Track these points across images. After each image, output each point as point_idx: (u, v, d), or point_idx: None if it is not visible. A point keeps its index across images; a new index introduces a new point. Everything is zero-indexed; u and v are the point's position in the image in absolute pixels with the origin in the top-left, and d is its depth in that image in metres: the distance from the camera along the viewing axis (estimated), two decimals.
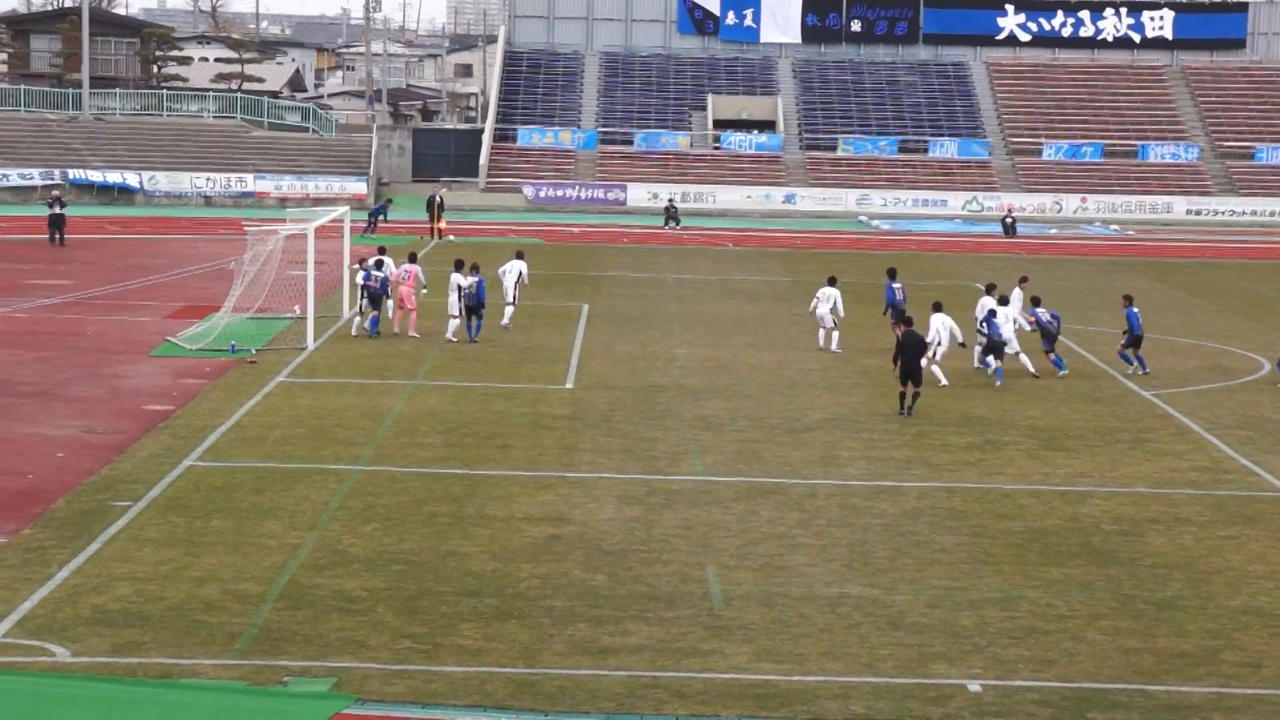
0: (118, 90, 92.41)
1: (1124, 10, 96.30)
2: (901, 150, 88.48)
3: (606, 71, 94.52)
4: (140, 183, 79.57)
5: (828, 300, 39.52)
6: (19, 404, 31.14)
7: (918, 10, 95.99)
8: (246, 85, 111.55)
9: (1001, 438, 30.21)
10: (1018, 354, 36.39)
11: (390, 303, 40.55)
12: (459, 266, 39.86)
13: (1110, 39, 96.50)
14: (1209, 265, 64.96)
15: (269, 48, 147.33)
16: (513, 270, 42.16)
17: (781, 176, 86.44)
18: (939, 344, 35.14)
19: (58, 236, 59.76)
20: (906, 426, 30.94)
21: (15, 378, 33.73)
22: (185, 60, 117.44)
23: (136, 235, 64.96)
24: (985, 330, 35.92)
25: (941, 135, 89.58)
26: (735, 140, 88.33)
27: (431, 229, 66.48)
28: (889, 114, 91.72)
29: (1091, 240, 76.19)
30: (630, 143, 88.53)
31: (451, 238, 65.33)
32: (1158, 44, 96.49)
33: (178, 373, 34.74)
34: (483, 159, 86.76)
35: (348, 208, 47.11)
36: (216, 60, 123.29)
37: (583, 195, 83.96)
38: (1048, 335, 37.15)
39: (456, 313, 39.37)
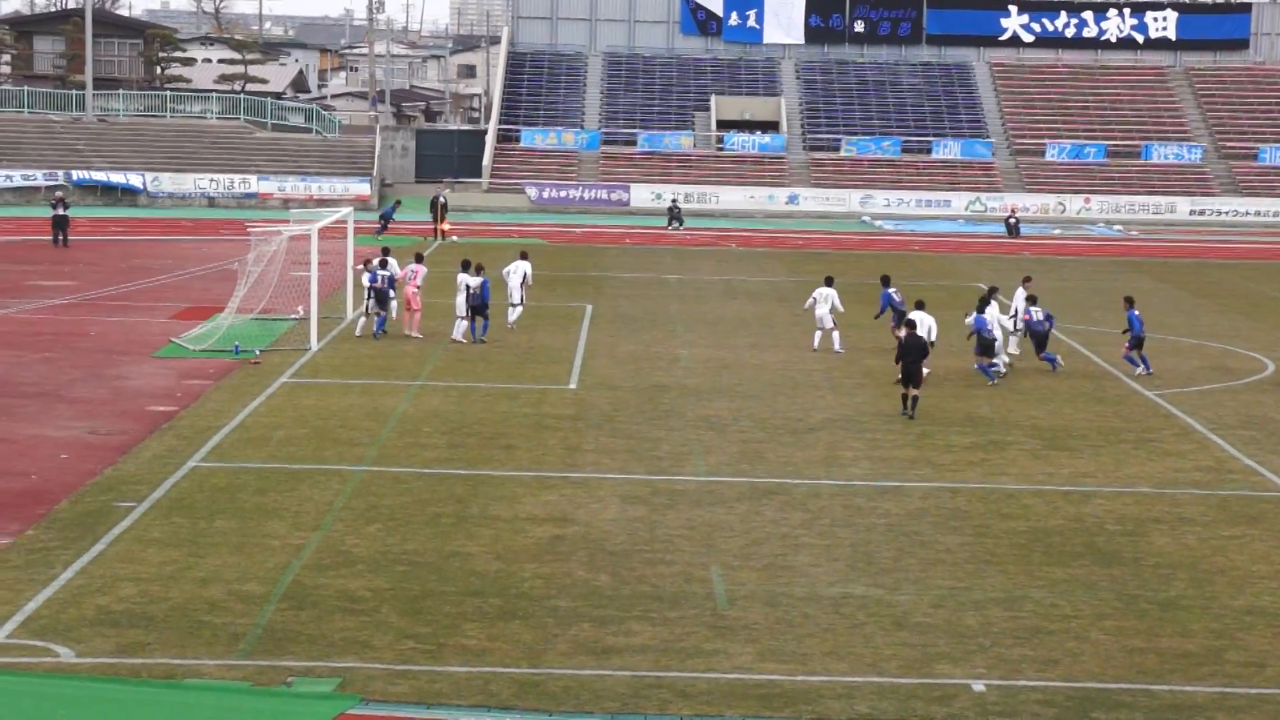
0: (121, 91, 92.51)
1: (1127, 11, 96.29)
2: (904, 151, 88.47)
3: (610, 72, 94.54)
4: (143, 184, 79.64)
5: (825, 301, 39.53)
6: (22, 405, 31.15)
7: (921, 11, 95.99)
8: (250, 86, 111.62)
9: (1005, 438, 30.21)
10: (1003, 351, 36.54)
11: (395, 304, 40.55)
12: (466, 267, 39.86)
13: (1113, 40, 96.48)
14: (1212, 266, 64.93)
15: (272, 49, 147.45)
16: (517, 271, 42.15)
17: (784, 177, 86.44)
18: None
19: (61, 238, 59.81)
20: (910, 427, 30.95)
21: (19, 379, 33.75)
22: (189, 61, 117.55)
23: (140, 236, 65.01)
24: (974, 326, 36.12)
25: (944, 136, 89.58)
26: (738, 141, 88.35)
27: (435, 230, 66.54)
28: (892, 114, 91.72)
29: (1095, 241, 76.18)
30: (633, 143, 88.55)
31: (454, 238, 65.40)
32: (1161, 45, 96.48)
33: (181, 374, 34.76)
34: (486, 160, 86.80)
35: (351, 209, 47.12)
36: (220, 61, 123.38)
37: (586, 196, 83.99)
38: (1037, 336, 37.26)
39: (464, 313, 39.38)
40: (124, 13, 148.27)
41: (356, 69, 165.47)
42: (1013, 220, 76.19)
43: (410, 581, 20.62)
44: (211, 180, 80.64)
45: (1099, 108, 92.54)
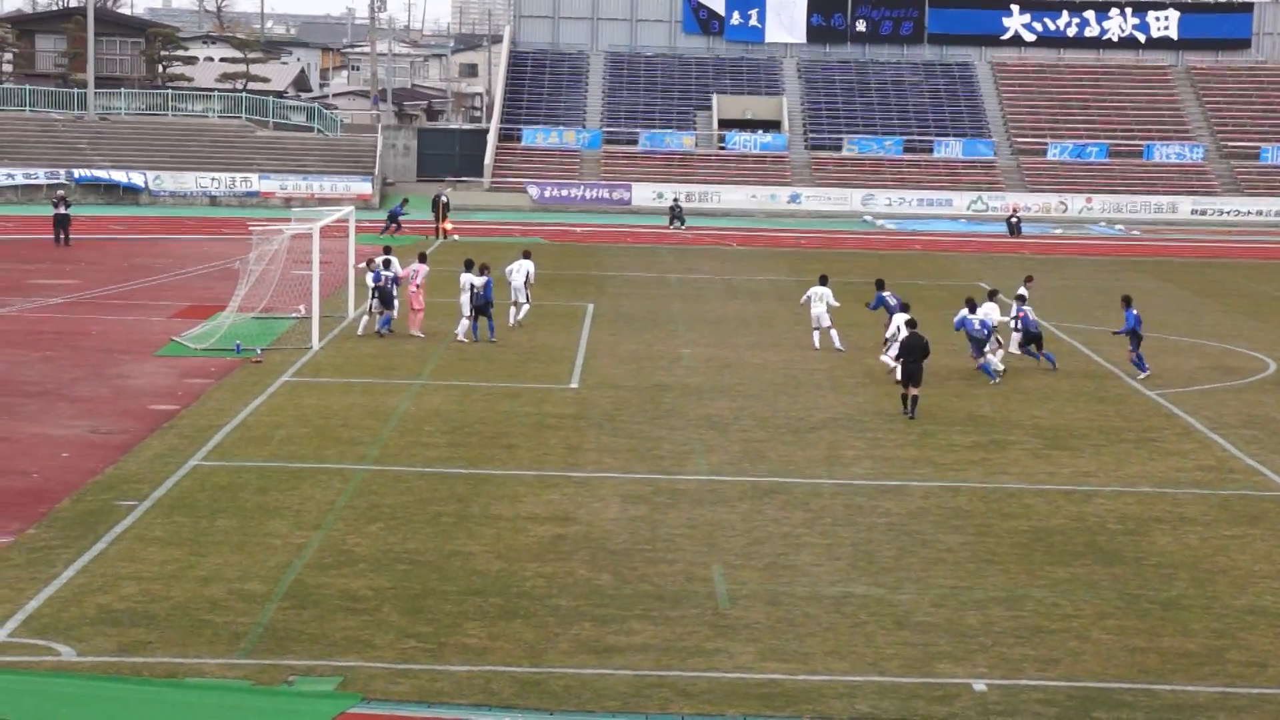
0: (123, 90, 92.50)
1: (1129, 10, 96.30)
2: (906, 150, 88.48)
3: (611, 71, 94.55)
4: (145, 182, 79.66)
5: (820, 300, 39.57)
6: (24, 404, 31.16)
7: (923, 10, 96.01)
8: (251, 85, 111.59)
9: (1006, 437, 30.21)
10: (996, 350, 36.64)
11: (398, 303, 40.56)
12: (469, 266, 39.84)
13: (1115, 39, 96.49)
14: (1214, 265, 64.92)
15: (274, 47, 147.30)
16: (520, 270, 42.14)
17: (786, 176, 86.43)
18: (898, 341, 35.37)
19: (63, 236, 59.80)
20: (911, 426, 30.95)
21: (20, 377, 33.75)
22: (190, 60, 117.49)
23: (141, 235, 65.00)
24: (956, 325, 36.43)
25: (946, 135, 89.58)
26: (740, 140, 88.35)
27: (437, 229, 66.55)
28: (894, 114, 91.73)
29: (1096, 240, 76.16)
30: (635, 143, 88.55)
31: (456, 237, 65.40)
32: (1163, 44, 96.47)
33: (183, 372, 34.76)
34: (488, 159, 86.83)
35: (353, 208, 47.12)
36: (221, 60, 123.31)
37: (587, 195, 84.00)
38: (1029, 335, 37.35)
39: (468, 313, 39.38)
40: (126, 11, 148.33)
41: (358, 68, 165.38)
42: (1014, 220, 76.19)
43: (411, 580, 20.62)
44: (213, 179, 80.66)
45: (1101, 107, 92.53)
